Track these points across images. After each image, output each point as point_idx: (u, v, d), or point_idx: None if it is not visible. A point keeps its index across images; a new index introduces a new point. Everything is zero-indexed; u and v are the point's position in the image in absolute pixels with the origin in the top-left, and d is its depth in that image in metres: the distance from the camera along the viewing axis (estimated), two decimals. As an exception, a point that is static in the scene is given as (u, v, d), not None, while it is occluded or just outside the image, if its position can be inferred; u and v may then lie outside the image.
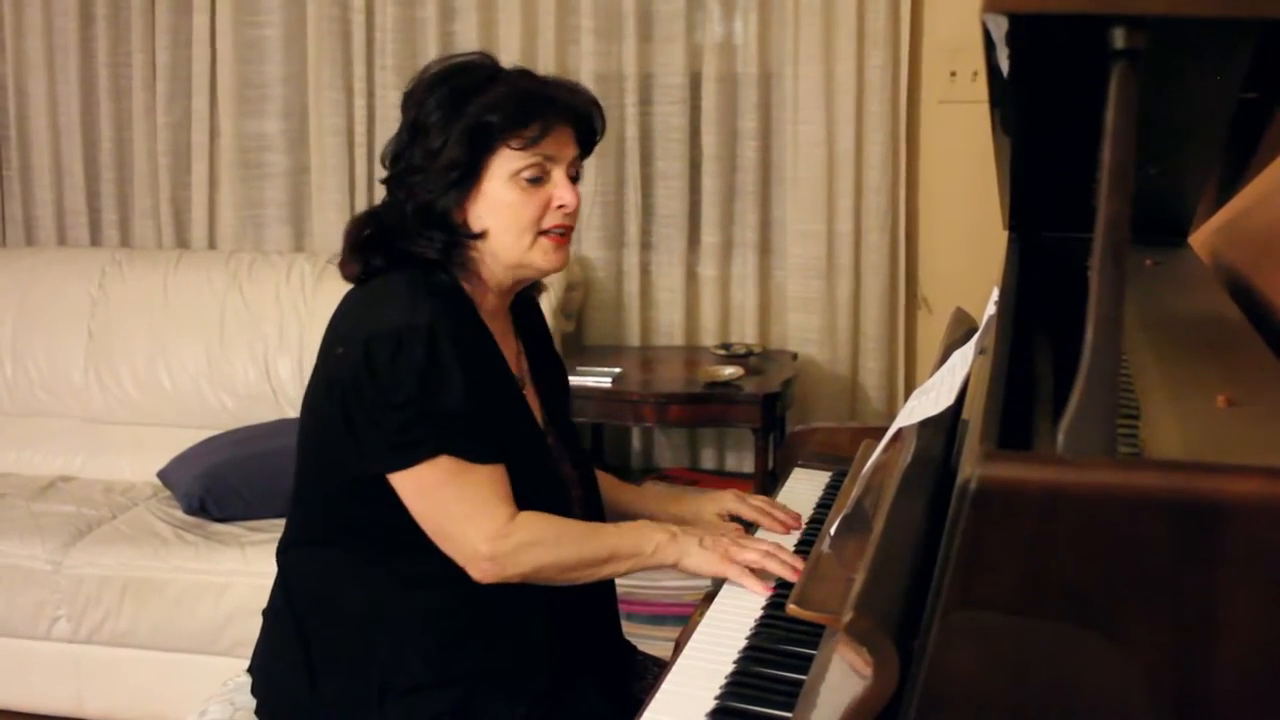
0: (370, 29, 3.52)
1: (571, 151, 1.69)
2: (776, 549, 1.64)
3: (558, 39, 3.42)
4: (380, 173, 1.74)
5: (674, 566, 1.65)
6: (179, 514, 3.07)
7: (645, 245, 3.51)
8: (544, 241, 1.66)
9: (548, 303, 3.20)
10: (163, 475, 3.18)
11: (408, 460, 1.56)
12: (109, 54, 3.67)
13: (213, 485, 3.02)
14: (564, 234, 1.68)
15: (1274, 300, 1.52)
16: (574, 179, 1.69)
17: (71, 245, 3.78)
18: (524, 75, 1.69)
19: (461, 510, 1.58)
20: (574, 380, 2.99)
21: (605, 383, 3.04)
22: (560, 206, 1.65)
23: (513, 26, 3.42)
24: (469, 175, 1.63)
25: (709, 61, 3.37)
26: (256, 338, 3.36)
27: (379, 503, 1.60)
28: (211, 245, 3.71)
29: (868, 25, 3.25)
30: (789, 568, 1.60)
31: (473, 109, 1.61)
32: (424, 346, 1.54)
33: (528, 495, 1.63)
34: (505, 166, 1.63)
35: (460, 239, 1.65)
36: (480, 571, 1.59)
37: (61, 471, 3.42)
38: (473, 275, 1.68)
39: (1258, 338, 1.29)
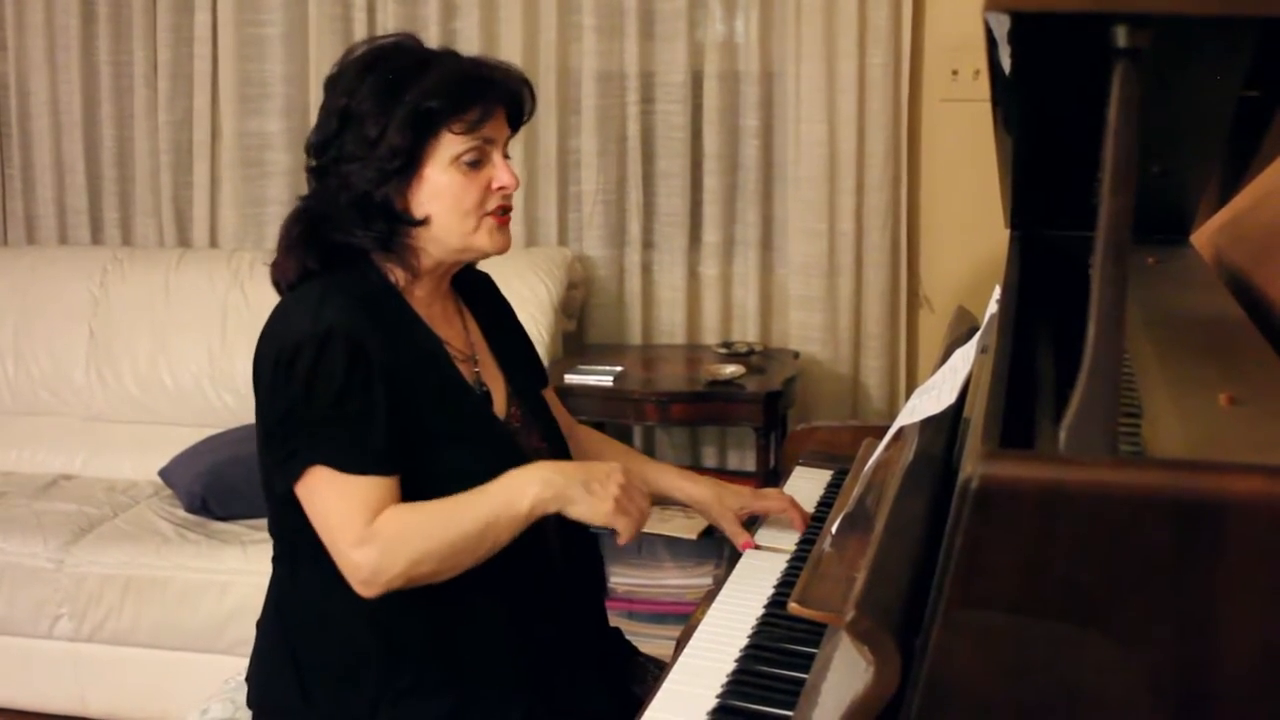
0: (372, 27, 3.52)
1: (505, 132, 1.68)
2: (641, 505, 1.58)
3: (559, 37, 3.41)
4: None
5: (559, 514, 1.55)
6: (180, 512, 3.07)
7: (647, 244, 3.50)
8: (489, 222, 1.65)
9: (547, 300, 3.21)
10: (164, 474, 3.18)
11: (290, 474, 1.55)
12: (111, 52, 3.67)
13: (214, 484, 3.02)
14: (506, 213, 1.67)
15: (1276, 298, 1.52)
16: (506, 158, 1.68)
17: (73, 244, 3.78)
18: (454, 57, 1.67)
19: (331, 522, 1.54)
20: (576, 379, 3.02)
21: (607, 381, 3.04)
22: (500, 188, 1.64)
23: (514, 25, 3.42)
24: (410, 163, 1.60)
25: (711, 60, 3.37)
26: (258, 336, 3.35)
27: None
28: (213, 244, 3.71)
29: (869, 23, 3.24)
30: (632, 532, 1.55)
31: (411, 96, 1.58)
32: (314, 353, 1.52)
33: (479, 478, 1.58)
34: (446, 151, 1.61)
35: (401, 227, 1.62)
36: (360, 583, 1.53)
37: (63, 470, 3.42)
38: (409, 263, 1.65)
39: (1260, 336, 1.29)
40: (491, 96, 1.63)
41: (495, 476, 1.59)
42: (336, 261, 1.63)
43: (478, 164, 1.63)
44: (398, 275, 1.66)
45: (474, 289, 1.84)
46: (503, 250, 1.68)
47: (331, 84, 1.65)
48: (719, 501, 1.84)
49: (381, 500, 1.54)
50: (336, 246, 1.63)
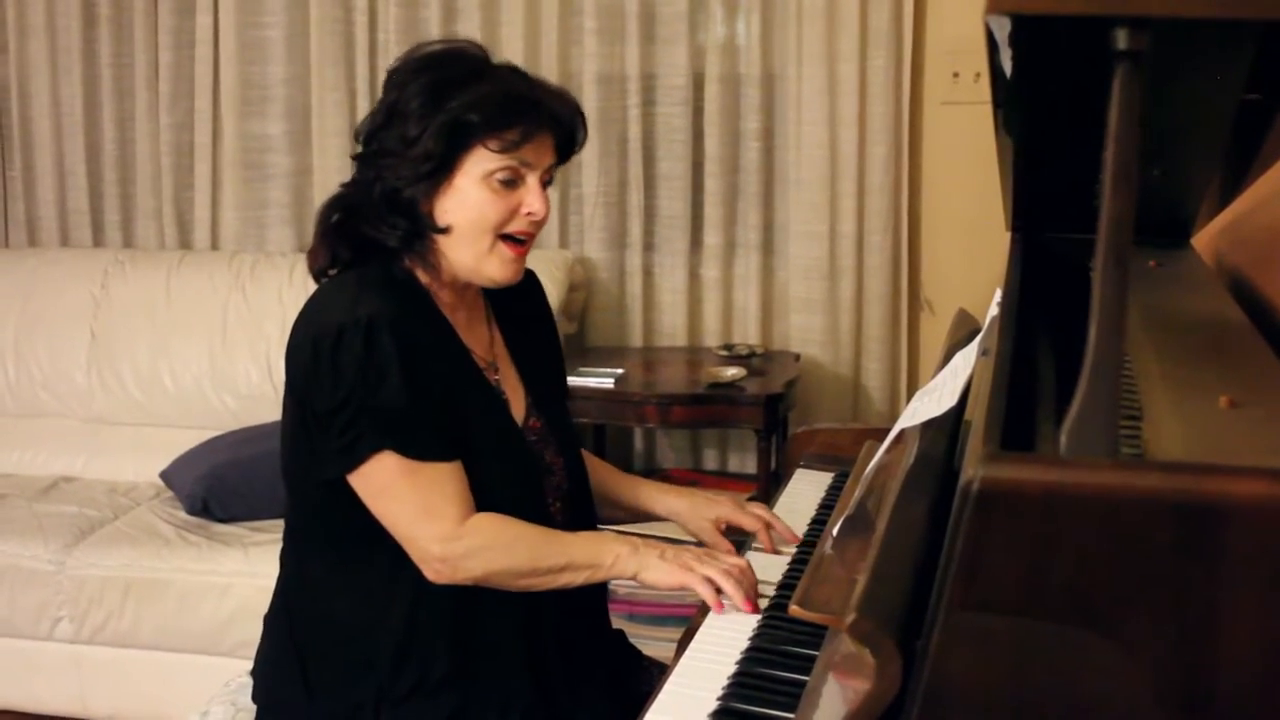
0: (373, 30, 3.53)
1: (549, 159, 1.65)
2: (741, 572, 1.59)
3: (560, 40, 3.42)
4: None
5: (633, 579, 1.61)
6: (181, 514, 3.07)
7: (648, 246, 3.51)
8: (502, 249, 1.62)
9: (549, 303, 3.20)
10: (165, 476, 3.18)
11: (354, 460, 1.55)
12: (112, 55, 3.68)
13: (215, 486, 3.02)
14: (523, 243, 1.65)
15: (1277, 301, 1.52)
16: (546, 184, 1.66)
17: (74, 246, 3.79)
18: (513, 74, 1.65)
19: (412, 510, 1.56)
20: (576, 381, 3.01)
21: (608, 384, 3.04)
22: (529, 214, 1.62)
23: (515, 28, 3.42)
24: (442, 169, 1.59)
25: (712, 62, 3.38)
26: (259, 338, 3.36)
27: (352, 506, 1.58)
28: (214, 246, 3.71)
29: (870, 26, 3.25)
30: (744, 596, 1.56)
31: (455, 104, 1.57)
32: (362, 341, 1.52)
33: (494, 485, 1.61)
34: (480, 166, 1.59)
35: (423, 230, 1.61)
36: (433, 572, 1.57)
37: (64, 472, 3.42)
38: (431, 267, 1.65)
39: (1260, 339, 1.29)
40: (535, 120, 1.61)
41: (509, 485, 1.63)
42: (368, 255, 1.64)
43: (511, 184, 1.61)
44: (423, 277, 1.66)
45: (515, 297, 1.79)
46: (511, 282, 1.66)
47: (389, 76, 1.65)
48: (693, 511, 1.83)
49: (459, 489, 1.58)
50: (367, 240, 1.63)
